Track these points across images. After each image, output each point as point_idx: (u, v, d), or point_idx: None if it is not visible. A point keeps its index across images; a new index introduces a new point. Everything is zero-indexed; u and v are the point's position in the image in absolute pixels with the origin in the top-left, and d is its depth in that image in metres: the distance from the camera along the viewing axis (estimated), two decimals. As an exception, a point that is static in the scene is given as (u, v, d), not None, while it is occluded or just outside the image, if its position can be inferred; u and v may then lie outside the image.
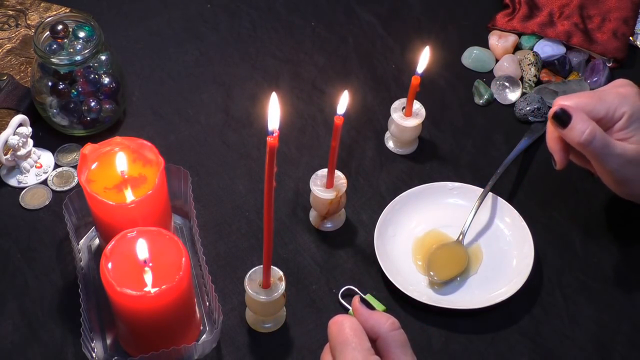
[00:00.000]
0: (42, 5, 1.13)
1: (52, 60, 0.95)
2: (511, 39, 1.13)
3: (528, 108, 1.05)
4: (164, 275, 0.77)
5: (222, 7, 1.18)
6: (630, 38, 1.12)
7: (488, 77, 1.11)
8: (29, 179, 0.99)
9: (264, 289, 0.82)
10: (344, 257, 0.93)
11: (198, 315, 0.86)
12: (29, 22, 1.12)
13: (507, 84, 1.08)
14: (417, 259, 0.92)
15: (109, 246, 0.78)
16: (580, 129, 0.83)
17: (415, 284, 0.90)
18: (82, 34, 0.99)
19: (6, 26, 1.11)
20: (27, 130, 0.98)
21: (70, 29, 0.99)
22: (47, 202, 0.97)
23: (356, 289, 0.89)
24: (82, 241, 0.92)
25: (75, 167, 1.00)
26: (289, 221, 0.96)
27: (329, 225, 0.95)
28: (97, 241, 0.93)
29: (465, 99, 1.08)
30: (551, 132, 0.88)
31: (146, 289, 0.77)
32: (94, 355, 0.82)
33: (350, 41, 1.14)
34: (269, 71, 1.11)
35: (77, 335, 0.81)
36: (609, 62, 1.10)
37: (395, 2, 1.19)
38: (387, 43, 1.14)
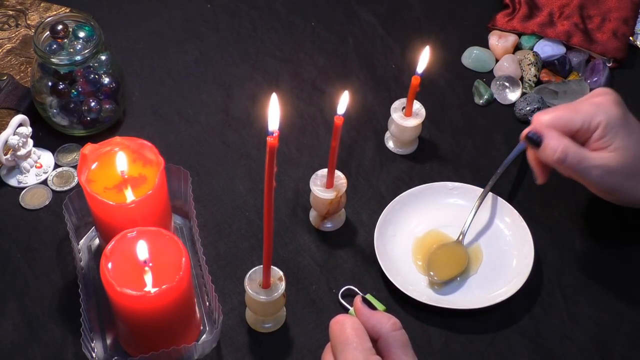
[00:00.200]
0: (42, 5, 1.13)
1: (52, 60, 0.95)
2: (511, 39, 1.13)
3: (528, 108, 1.05)
4: (164, 275, 0.77)
5: (222, 7, 1.18)
6: (630, 38, 1.12)
7: (488, 77, 1.11)
8: (29, 179, 0.99)
9: (264, 289, 0.82)
10: (344, 257, 0.93)
11: (198, 315, 0.86)
12: (29, 22, 1.12)
13: (507, 84, 1.08)
14: (417, 259, 0.92)
15: (109, 246, 0.78)
16: (553, 148, 0.85)
17: (415, 284, 0.90)
18: (82, 34, 0.99)
19: (6, 26, 1.11)
20: (27, 130, 0.98)
21: (70, 29, 0.99)
22: (47, 202, 0.97)
23: (356, 289, 0.89)
24: (82, 241, 0.92)
25: (75, 167, 1.00)
26: (289, 221, 0.96)
27: (329, 225, 0.95)
28: (97, 241, 0.93)
29: (465, 99, 1.08)
30: (529, 149, 0.91)
31: (146, 289, 0.77)
32: (94, 355, 0.82)
33: (350, 41, 1.15)
34: (269, 71, 1.11)
35: (77, 335, 0.81)
36: (609, 62, 1.10)
37: (395, 2, 1.19)
38: (387, 43, 1.14)
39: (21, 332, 0.87)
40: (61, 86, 0.98)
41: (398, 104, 1.00)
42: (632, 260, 0.93)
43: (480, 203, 0.94)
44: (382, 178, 1.00)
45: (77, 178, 0.98)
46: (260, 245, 0.81)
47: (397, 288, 0.88)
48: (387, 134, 1.03)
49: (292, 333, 0.87)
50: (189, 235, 0.93)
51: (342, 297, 0.89)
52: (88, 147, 0.85)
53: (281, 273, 0.83)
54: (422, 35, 1.14)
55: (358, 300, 0.74)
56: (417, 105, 1.00)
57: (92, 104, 0.99)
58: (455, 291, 0.90)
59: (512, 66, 1.09)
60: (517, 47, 1.13)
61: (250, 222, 0.96)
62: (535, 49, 1.11)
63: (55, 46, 0.98)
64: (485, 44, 1.14)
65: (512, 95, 1.08)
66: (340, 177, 0.92)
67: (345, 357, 0.69)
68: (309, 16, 1.17)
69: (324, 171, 0.91)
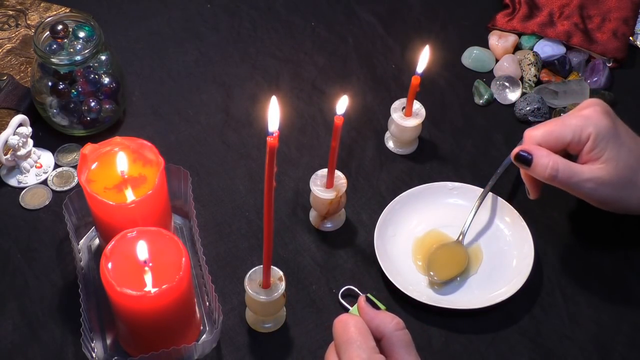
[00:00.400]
0: (42, 5, 1.13)
1: (52, 60, 0.95)
2: (511, 39, 1.13)
3: (528, 108, 1.05)
4: (164, 275, 0.77)
5: (222, 7, 1.18)
6: (630, 38, 1.12)
7: (488, 77, 1.11)
8: (29, 179, 0.99)
9: (264, 289, 0.82)
10: (344, 257, 0.93)
11: (198, 315, 0.86)
12: (29, 22, 1.12)
13: (507, 84, 1.08)
14: (417, 259, 0.92)
15: (109, 246, 0.78)
16: (543, 166, 0.86)
17: (415, 284, 0.90)
18: (82, 34, 0.99)
19: (6, 26, 1.11)
20: (27, 130, 0.98)
21: (70, 29, 0.99)
22: (47, 202, 0.97)
23: (356, 289, 0.89)
24: (82, 241, 0.92)
25: (75, 167, 1.00)
26: (289, 221, 0.96)
27: (329, 225, 0.95)
28: (97, 241, 0.93)
29: (465, 99, 1.08)
30: (525, 174, 0.92)
31: (146, 289, 0.77)
32: (94, 355, 0.82)
33: (350, 41, 1.15)
34: (269, 71, 1.11)
35: (77, 335, 0.81)
36: (609, 62, 1.10)
37: (395, 2, 1.19)
38: (387, 43, 1.14)
39: (21, 332, 0.87)
40: (61, 86, 0.98)
41: (398, 104, 1.00)
42: (632, 260, 0.93)
43: (480, 203, 0.94)
44: (382, 178, 1.00)
45: (77, 178, 0.98)
46: (260, 245, 0.81)
47: (397, 288, 0.88)
48: (387, 134, 1.03)
49: (292, 333, 0.87)
50: (189, 235, 0.93)
51: (342, 297, 0.89)
52: (88, 147, 0.85)
53: (281, 273, 0.83)
54: (422, 35, 1.14)
55: (362, 299, 0.75)
56: (417, 105, 1.00)
57: (92, 104, 0.99)
58: (455, 291, 0.90)
59: (512, 66, 1.10)
60: (517, 47, 1.13)
61: (250, 222, 0.96)
62: (535, 49, 1.11)
63: (55, 46, 0.98)
64: (485, 44, 1.14)
65: (512, 95, 1.08)
66: (340, 177, 0.92)
67: (350, 356, 0.69)
68: (309, 16, 1.17)
69: (324, 171, 0.91)
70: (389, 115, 1.00)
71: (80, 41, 0.98)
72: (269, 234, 0.78)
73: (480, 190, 0.95)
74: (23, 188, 0.98)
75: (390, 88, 1.09)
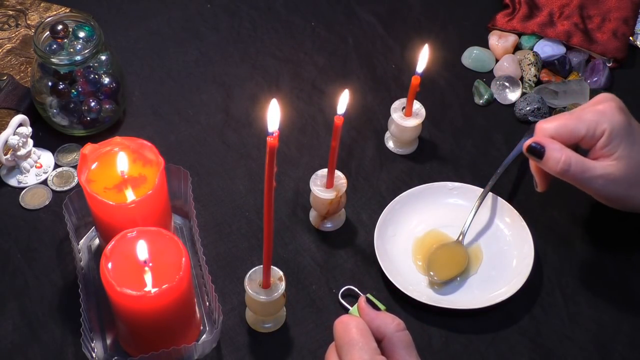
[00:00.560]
0: (42, 5, 1.13)
1: (52, 60, 0.95)
2: (511, 39, 1.13)
3: (528, 108, 1.05)
4: (164, 275, 0.77)
5: (222, 7, 1.18)
6: (630, 38, 1.12)
7: (488, 77, 1.11)
8: (29, 179, 0.99)
9: (264, 289, 0.82)
10: (344, 257, 0.93)
11: (198, 315, 0.86)
12: (29, 22, 1.12)
13: (507, 84, 1.08)
14: (417, 259, 0.92)
15: (109, 246, 0.78)
16: (555, 159, 0.85)
17: (415, 284, 0.90)
18: (82, 34, 0.99)
19: (6, 26, 1.11)
20: (27, 130, 0.98)
21: (70, 29, 0.99)
22: (47, 202, 0.97)
23: (356, 289, 0.89)
24: (82, 241, 0.92)
25: (75, 167, 1.00)
26: (289, 221, 0.96)
27: (329, 225, 0.95)
28: (97, 241, 0.93)
29: (465, 99, 1.08)
30: (535, 167, 0.92)
31: (146, 289, 0.77)
32: (94, 355, 0.82)
33: (350, 41, 1.14)
34: (269, 71, 1.11)
35: (77, 335, 0.81)
36: (609, 62, 1.10)
37: (395, 2, 1.19)
38: (387, 43, 1.14)
39: (21, 332, 0.87)
40: (61, 86, 0.98)
41: (398, 104, 1.00)
42: (632, 260, 0.93)
43: (480, 203, 0.94)
44: (382, 178, 1.00)
45: (77, 178, 0.98)
46: (260, 245, 0.81)
47: (397, 288, 0.88)
48: (387, 134, 1.03)
49: (292, 333, 0.87)
50: (189, 235, 0.93)
51: (342, 297, 0.89)
52: (88, 147, 0.85)
53: (281, 273, 0.83)
54: (422, 35, 1.14)
55: (362, 300, 0.75)
56: (417, 105, 1.00)
57: (92, 104, 0.99)
58: (455, 291, 0.90)
59: (512, 66, 1.09)
60: (517, 47, 1.13)
61: (250, 222, 0.96)
62: (535, 49, 1.11)
63: (55, 46, 0.98)
64: (485, 44, 1.14)
65: (512, 95, 1.08)
66: (340, 177, 0.92)
67: (352, 358, 0.69)
68: (309, 16, 1.17)
69: (324, 171, 0.91)
70: (389, 115, 1.00)
71: (80, 41, 0.98)
72: (269, 234, 0.78)
73: (480, 190, 0.95)
74: (23, 188, 0.98)
75: (390, 88, 1.09)
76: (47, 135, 1.02)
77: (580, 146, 0.87)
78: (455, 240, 0.93)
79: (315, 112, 1.06)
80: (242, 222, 0.96)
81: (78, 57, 0.95)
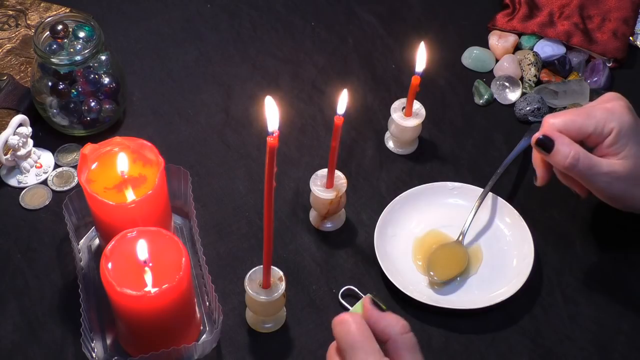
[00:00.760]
0: (42, 5, 1.13)
1: (52, 60, 0.95)
2: (511, 39, 1.13)
3: (528, 108, 1.05)
4: (164, 275, 0.77)
5: (222, 7, 1.18)
6: (630, 38, 1.12)
7: (488, 77, 1.11)
8: (29, 179, 0.99)
9: (264, 289, 0.82)
10: (344, 257, 0.93)
11: (198, 315, 0.86)
12: (29, 22, 1.12)
13: (507, 84, 1.08)
14: (417, 259, 0.92)
15: (109, 246, 0.78)
16: (564, 154, 0.85)
17: (415, 284, 0.90)
18: (82, 34, 0.99)
19: (6, 26, 1.11)
20: (27, 130, 0.98)
21: (70, 29, 0.99)
22: (47, 202, 0.97)
23: (356, 289, 0.89)
24: (82, 241, 0.92)
25: (75, 167, 1.00)
26: (289, 221, 0.96)
27: (329, 225, 0.95)
28: (97, 241, 0.93)
29: (465, 99, 1.08)
30: (543, 167, 0.91)
31: (146, 289, 0.77)
32: (94, 355, 0.82)
33: (350, 41, 1.14)
34: (269, 71, 1.11)
35: (77, 335, 0.81)
36: (609, 62, 1.10)
37: (395, 2, 1.19)
38: (387, 43, 1.14)
39: (21, 332, 0.87)
40: (61, 86, 0.98)
41: (398, 104, 1.00)
42: (632, 260, 0.93)
43: (480, 203, 0.94)
44: (382, 178, 1.00)
45: (77, 178, 0.98)
46: (260, 245, 0.81)
47: (397, 288, 0.88)
48: (387, 134, 1.03)
49: (292, 333, 0.87)
50: (189, 235, 0.93)
51: (342, 297, 0.89)
52: (88, 147, 0.85)
53: (281, 273, 0.83)
54: (422, 35, 1.14)
55: (368, 301, 0.73)
56: (417, 105, 1.00)
57: (92, 104, 0.99)
58: (455, 291, 0.90)
59: (512, 66, 1.09)
60: (517, 47, 1.13)
61: (250, 222, 0.96)
62: (535, 49, 1.11)
63: (55, 46, 0.98)
64: (485, 44, 1.14)
65: (512, 95, 1.08)
66: (340, 177, 0.92)
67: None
68: (309, 16, 1.17)
69: (324, 171, 0.91)
70: (389, 115, 1.00)
71: (80, 41, 0.98)
72: (269, 234, 0.78)
73: (480, 190, 0.95)
74: (23, 188, 0.98)
75: (390, 88, 1.09)
76: (47, 135, 1.02)
77: (586, 143, 0.87)
78: (455, 240, 0.93)
79: (315, 112, 1.06)
80: (242, 222, 0.96)
81: (78, 57, 0.95)
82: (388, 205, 0.94)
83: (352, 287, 0.90)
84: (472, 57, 1.12)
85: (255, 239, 0.94)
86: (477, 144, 1.04)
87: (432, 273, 0.90)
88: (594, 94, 1.06)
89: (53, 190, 0.98)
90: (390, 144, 1.03)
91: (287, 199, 0.97)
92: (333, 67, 1.12)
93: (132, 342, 0.84)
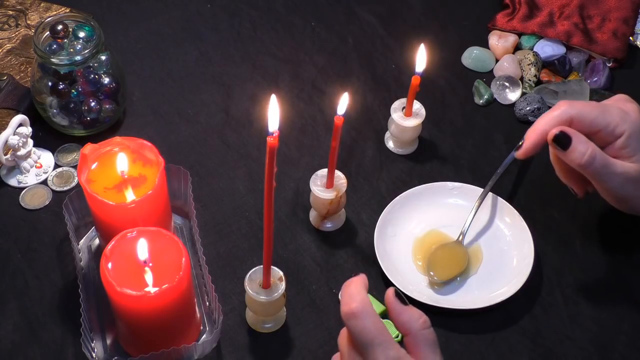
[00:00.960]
0: (42, 5, 1.13)
1: (52, 60, 0.95)
2: (511, 39, 1.13)
3: (528, 108, 1.05)
4: (164, 275, 0.77)
5: (222, 7, 1.18)
6: (630, 38, 1.12)
7: (488, 77, 1.11)
8: (29, 179, 0.99)
9: (264, 289, 0.82)
10: (344, 257, 0.93)
11: (198, 315, 0.86)
12: (29, 22, 1.12)
13: (507, 84, 1.08)
14: (417, 259, 0.92)
15: (109, 246, 0.78)
16: (581, 151, 0.84)
17: (415, 284, 0.90)
18: (82, 34, 0.99)
19: (6, 26, 1.11)
20: (27, 130, 0.98)
21: (70, 29, 0.99)
22: (47, 202, 0.97)
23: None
24: (82, 241, 0.92)
25: (75, 167, 1.00)
26: (289, 221, 0.96)
27: (329, 225, 0.95)
28: (97, 241, 0.93)
29: (465, 99, 1.08)
30: (559, 166, 0.90)
31: (146, 289, 0.77)
32: (94, 355, 0.82)
33: (350, 41, 1.14)
34: (269, 71, 1.11)
35: (77, 335, 0.81)
36: (609, 62, 1.10)
37: (395, 2, 1.19)
38: (387, 43, 1.14)
39: (21, 332, 0.87)
40: (61, 86, 0.98)
41: (398, 104, 1.00)
42: (632, 260, 0.93)
43: (480, 203, 0.94)
44: (382, 178, 1.00)
45: (77, 178, 0.98)
46: (260, 245, 0.81)
47: (397, 288, 0.88)
48: (387, 134, 1.03)
49: (292, 333, 0.87)
50: (189, 235, 0.93)
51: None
52: (88, 147, 0.85)
53: (281, 273, 0.83)
54: (422, 35, 1.14)
55: (391, 293, 0.71)
56: (417, 105, 1.00)
57: (92, 104, 0.99)
58: (455, 291, 0.90)
59: (512, 66, 1.10)
60: (517, 47, 1.13)
61: (250, 222, 0.96)
62: (535, 49, 1.11)
63: (55, 46, 0.98)
64: (485, 44, 1.14)
65: (512, 95, 1.08)
66: (340, 177, 0.92)
67: (376, 357, 0.67)
68: (309, 16, 1.17)
69: (324, 171, 0.91)
70: (389, 115, 1.00)
71: (80, 41, 0.98)
72: (269, 234, 0.78)
73: (480, 190, 0.95)
74: (23, 188, 0.98)
75: (390, 88, 1.09)
76: (47, 135, 1.02)
77: (594, 140, 0.85)
78: (455, 240, 0.93)
79: (315, 112, 1.06)
80: (242, 222, 0.96)
81: (78, 57, 0.95)
82: (388, 205, 0.94)
83: (352, 287, 0.90)
84: (472, 57, 1.12)
85: (255, 239, 0.94)
86: (477, 144, 1.04)
87: (432, 273, 0.90)
88: (594, 94, 1.07)
89: (53, 190, 0.98)
90: (390, 144, 1.03)
91: (287, 199, 0.97)
92: (333, 67, 1.12)
93: (132, 342, 0.84)
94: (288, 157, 1.01)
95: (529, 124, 1.04)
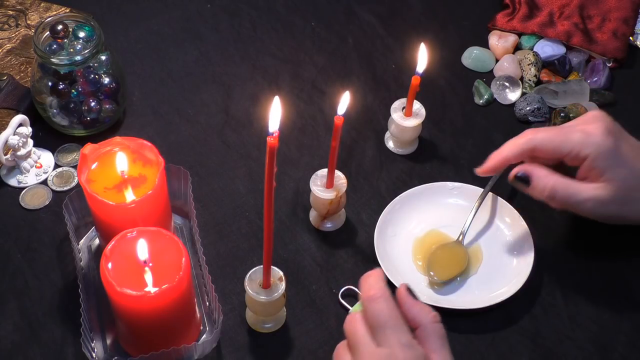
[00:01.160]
0: (42, 5, 1.13)
1: (52, 60, 0.95)
2: (511, 39, 1.13)
3: (528, 108, 1.05)
4: (164, 275, 0.77)
5: (222, 7, 1.18)
6: (630, 38, 1.12)
7: (488, 77, 1.11)
8: (29, 179, 0.99)
9: (264, 289, 0.82)
10: (344, 257, 0.93)
11: (198, 315, 0.86)
12: (29, 22, 1.12)
13: (507, 84, 1.08)
14: (417, 259, 0.92)
15: (109, 246, 0.78)
16: (541, 187, 0.87)
17: (415, 284, 0.90)
18: (82, 34, 0.99)
19: (6, 26, 1.11)
20: (27, 130, 0.98)
21: (70, 29, 0.99)
22: (47, 202, 0.97)
23: (356, 289, 0.89)
24: (82, 241, 0.92)
25: (75, 167, 1.00)
26: (289, 221, 0.96)
27: (329, 225, 0.95)
28: (97, 241, 0.93)
29: (465, 99, 1.08)
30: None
31: (146, 289, 0.77)
32: (94, 355, 0.82)
33: (350, 41, 1.15)
34: (269, 71, 1.11)
35: (77, 335, 0.81)
36: (609, 62, 1.10)
37: (395, 2, 1.19)
38: (387, 43, 1.14)
39: (21, 332, 0.87)
40: (61, 86, 0.98)
41: (398, 104, 1.00)
42: (632, 260, 0.93)
43: (480, 203, 0.94)
44: (382, 178, 1.00)
45: (77, 178, 0.98)
46: (260, 245, 0.81)
47: (397, 288, 0.88)
48: (387, 134, 1.03)
49: (292, 333, 0.87)
50: (189, 235, 0.93)
51: (342, 297, 0.89)
52: (88, 147, 0.85)
53: (281, 273, 0.83)
54: (422, 35, 1.14)
55: (403, 289, 0.74)
56: (417, 105, 1.00)
57: (92, 104, 0.99)
58: (455, 291, 0.90)
59: (512, 66, 1.10)
60: (517, 47, 1.13)
61: (250, 222, 0.96)
62: (535, 49, 1.11)
63: (55, 46, 0.98)
64: (485, 44, 1.14)
65: (512, 95, 1.08)
66: (340, 177, 0.92)
67: (388, 339, 0.69)
68: (309, 16, 1.17)
69: (324, 171, 0.91)
70: (389, 115, 1.00)
71: (80, 41, 0.98)
72: (269, 234, 0.78)
73: (480, 190, 0.95)
74: (23, 188, 0.98)
75: (390, 88, 1.09)
76: (47, 135, 1.02)
77: (566, 163, 0.88)
78: (455, 240, 0.93)
79: (315, 112, 1.06)
80: (242, 222, 0.96)
81: (78, 57, 0.95)
82: (388, 205, 0.94)
83: (352, 287, 0.90)
84: (472, 57, 1.12)
85: (255, 239, 0.94)
86: (477, 144, 1.04)
87: (432, 273, 0.90)
88: (594, 94, 1.07)
89: (53, 190, 0.98)
90: (390, 144, 1.03)
91: (287, 199, 0.97)
92: (333, 67, 1.12)
93: (132, 342, 0.84)
94: (288, 157, 1.01)
95: (529, 124, 1.05)
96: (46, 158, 1.01)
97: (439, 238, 0.94)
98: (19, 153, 0.97)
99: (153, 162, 0.86)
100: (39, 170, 0.99)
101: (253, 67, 1.11)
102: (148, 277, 0.77)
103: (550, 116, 1.05)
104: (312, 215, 0.95)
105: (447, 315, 0.87)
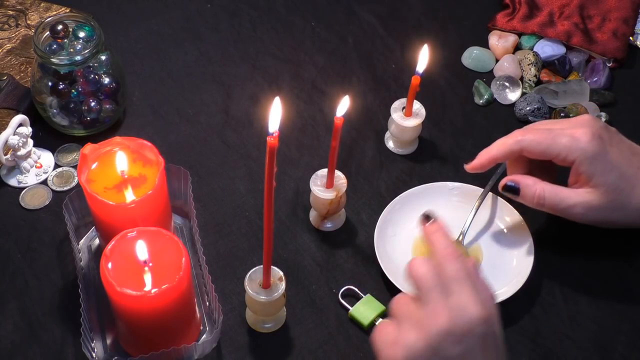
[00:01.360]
0: (42, 5, 1.13)
1: (52, 60, 0.95)
2: (511, 39, 1.13)
3: (528, 108, 1.05)
4: (164, 275, 0.77)
5: (222, 7, 1.18)
6: (630, 38, 1.12)
7: (488, 77, 1.11)
8: (29, 179, 0.99)
9: (264, 289, 0.82)
10: (344, 257, 0.93)
11: (198, 315, 0.86)
12: (29, 22, 1.12)
13: (507, 84, 1.08)
14: (417, 259, 0.92)
15: (109, 246, 0.79)
16: (530, 196, 0.89)
17: (415, 284, 0.90)
18: (82, 34, 0.99)
19: (6, 26, 1.12)
20: (27, 130, 0.98)
21: (70, 29, 0.99)
22: (47, 202, 0.97)
23: (356, 289, 0.89)
24: (82, 241, 0.92)
25: (75, 167, 1.00)
26: (289, 221, 0.96)
27: (329, 225, 0.95)
28: (97, 241, 0.93)
29: (465, 99, 1.08)
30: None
31: (146, 289, 0.77)
32: (94, 355, 0.82)
33: (350, 41, 1.15)
34: (269, 71, 1.11)
35: (77, 335, 0.81)
36: (609, 62, 1.10)
37: (395, 2, 1.19)
38: (387, 43, 1.14)
39: (21, 332, 0.87)
40: (61, 86, 0.98)
41: (398, 104, 1.00)
42: (632, 260, 0.93)
43: (480, 203, 0.94)
44: (382, 178, 1.00)
45: (77, 178, 0.98)
46: (260, 245, 0.81)
47: (397, 288, 0.88)
48: (387, 134, 1.03)
49: (292, 333, 0.87)
50: (189, 235, 0.93)
51: (342, 297, 0.89)
52: (88, 147, 0.85)
53: (281, 273, 0.83)
54: (422, 35, 1.14)
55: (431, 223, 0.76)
56: (417, 105, 1.00)
57: (92, 104, 0.99)
58: (455, 291, 0.90)
59: (512, 66, 1.10)
60: (517, 47, 1.13)
61: (250, 222, 0.96)
62: (535, 49, 1.11)
63: (55, 46, 0.98)
64: (485, 44, 1.14)
65: (512, 95, 1.08)
66: (340, 177, 0.92)
67: (460, 293, 0.71)
68: (309, 16, 1.17)
69: (324, 171, 0.91)
70: (389, 115, 1.00)
71: (80, 41, 0.98)
72: (269, 234, 0.78)
73: (480, 190, 0.95)
74: (23, 188, 0.98)
75: (390, 88, 1.09)
76: (47, 135, 1.02)
77: (556, 163, 0.88)
78: (455, 240, 0.93)
79: (315, 112, 1.06)
80: (242, 222, 0.96)
81: (78, 57, 0.95)
82: (388, 205, 0.94)
83: (352, 287, 0.90)
84: (472, 57, 1.12)
85: (255, 239, 0.94)
86: (477, 144, 1.03)
87: (432, 273, 0.90)
88: (594, 94, 1.07)
89: (53, 190, 0.98)
90: (390, 144, 1.03)
91: (287, 199, 0.97)
92: (333, 67, 1.12)
93: (132, 342, 0.84)
94: (288, 157, 1.01)
95: (529, 124, 1.04)
96: (46, 158, 1.01)
97: (439, 238, 0.93)
98: (19, 153, 0.97)
99: (153, 162, 0.86)
100: (39, 170, 0.99)
101: (253, 67, 1.11)
102: (148, 277, 0.77)
103: (550, 116, 1.05)
104: (312, 215, 0.95)
105: (447, 315, 0.87)
